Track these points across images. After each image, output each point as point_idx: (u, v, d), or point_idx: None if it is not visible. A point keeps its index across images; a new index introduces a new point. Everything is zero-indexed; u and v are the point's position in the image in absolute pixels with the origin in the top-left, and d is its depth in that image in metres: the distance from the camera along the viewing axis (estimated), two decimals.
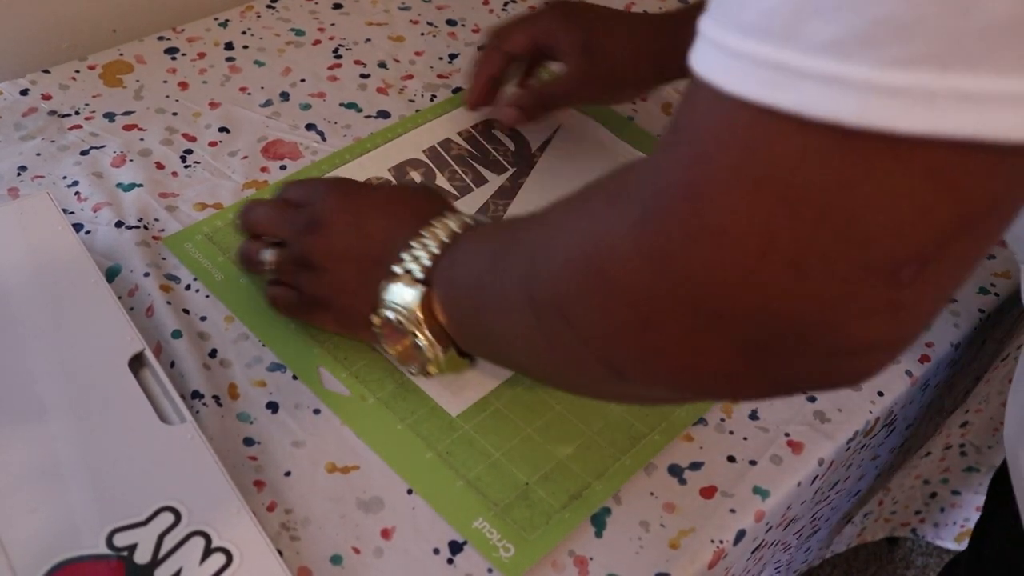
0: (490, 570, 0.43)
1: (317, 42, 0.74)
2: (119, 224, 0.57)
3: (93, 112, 0.66)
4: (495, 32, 0.62)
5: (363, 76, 0.71)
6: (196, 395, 0.48)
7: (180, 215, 0.58)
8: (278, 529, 0.44)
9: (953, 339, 0.57)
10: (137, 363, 0.45)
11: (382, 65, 0.73)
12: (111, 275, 0.54)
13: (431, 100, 0.69)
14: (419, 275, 0.44)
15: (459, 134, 0.66)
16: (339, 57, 0.73)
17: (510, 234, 0.40)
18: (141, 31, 0.73)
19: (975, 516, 0.89)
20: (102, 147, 0.63)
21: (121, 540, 0.38)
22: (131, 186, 0.60)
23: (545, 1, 0.61)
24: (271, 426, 0.48)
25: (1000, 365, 0.70)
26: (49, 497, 0.39)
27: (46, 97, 0.66)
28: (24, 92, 0.66)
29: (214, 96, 0.68)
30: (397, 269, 0.44)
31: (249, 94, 0.69)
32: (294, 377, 0.50)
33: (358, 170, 0.62)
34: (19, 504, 0.39)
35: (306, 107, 0.67)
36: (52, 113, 0.65)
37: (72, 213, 0.58)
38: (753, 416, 0.51)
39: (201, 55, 0.72)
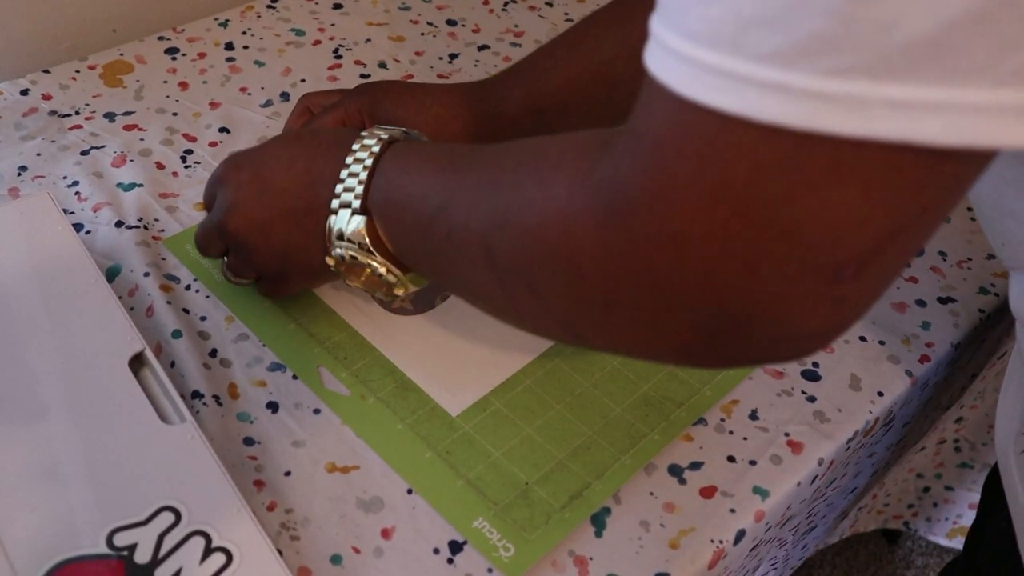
0: (490, 570, 0.43)
1: (317, 42, 0.74)
2: (119, 224, 0.57)
3: (93, 112, 0.66)
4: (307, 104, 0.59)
5: (363, 76, 0.71)
6: (196, 395, 0.48)
7: (180, 215, 0.58)
8: (278, 529, 0.44)
9: (953, 339, 0.57)
10: (137, 363, 0.45)
11: (382, 65, 0.73)
12: (111, 275, 0.54)
13: None
14: (356, 205, 0.43)
15: None
16: (339, 57, 0.73)
17: (455, 175, 0.39)
18: (141, 31, 0.74)
19: (968, 513, 0.89)
20: (102, 147, 0.63)
21: (121, 540, 0.38)
22: (131, 186, 0.60)
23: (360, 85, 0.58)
24: (271, 426, 0.48)
25: (996, 363, 0.70)
26: (49, 497, 0.39)
27: (46, 97, 0.67)
28: (24, 92, 0.66)
29: (214, 96, 0.68)
30: (334, 203, 0.44)
31: (249, 94, 0.69)
32: (294, 377, 0.50)
33: None
34: (19, 504, 0.39)
35: None
36: (52, 113, 0.65)
37: (72, 213, 0.58)
38: (753, 416, 0.51)
39: (201, 55, 0.72)
